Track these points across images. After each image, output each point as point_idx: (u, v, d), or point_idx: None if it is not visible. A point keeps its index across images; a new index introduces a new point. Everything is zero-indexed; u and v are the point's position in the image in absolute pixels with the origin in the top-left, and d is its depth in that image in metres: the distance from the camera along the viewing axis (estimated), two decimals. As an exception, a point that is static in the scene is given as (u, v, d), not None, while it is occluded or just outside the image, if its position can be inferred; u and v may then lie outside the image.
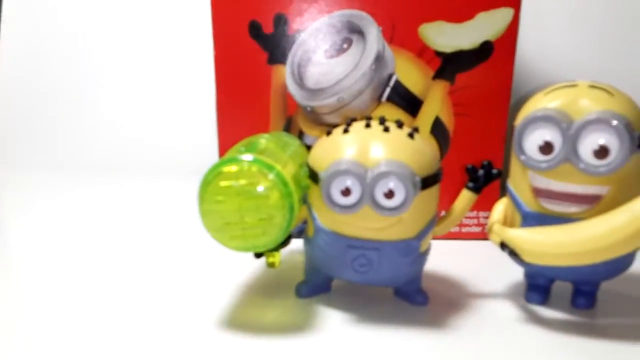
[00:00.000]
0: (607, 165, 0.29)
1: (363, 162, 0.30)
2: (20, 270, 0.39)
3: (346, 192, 0.30)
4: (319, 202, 0.31)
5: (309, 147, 0.35)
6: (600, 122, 0.29)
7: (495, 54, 0.41)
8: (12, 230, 0.47)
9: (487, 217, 0.44)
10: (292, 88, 0.42)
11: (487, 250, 0.41)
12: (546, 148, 0.31)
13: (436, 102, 0.42)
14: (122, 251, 0.42)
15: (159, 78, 0.62)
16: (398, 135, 0.31)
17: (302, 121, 0.42)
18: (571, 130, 0.30)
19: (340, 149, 0.31)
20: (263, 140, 0.32)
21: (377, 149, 0.30)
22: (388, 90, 0.41)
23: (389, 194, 0.30)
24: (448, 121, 0.42)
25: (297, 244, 0.36)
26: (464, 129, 0.43)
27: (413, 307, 0.34)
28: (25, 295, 0.35)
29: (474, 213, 0.44)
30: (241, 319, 0.33)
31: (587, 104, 0.30)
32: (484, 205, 0.42)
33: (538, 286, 0.35)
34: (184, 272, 0.39)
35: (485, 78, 0.41)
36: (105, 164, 0.64)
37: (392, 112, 0.42)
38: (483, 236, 0.44)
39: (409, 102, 0.42)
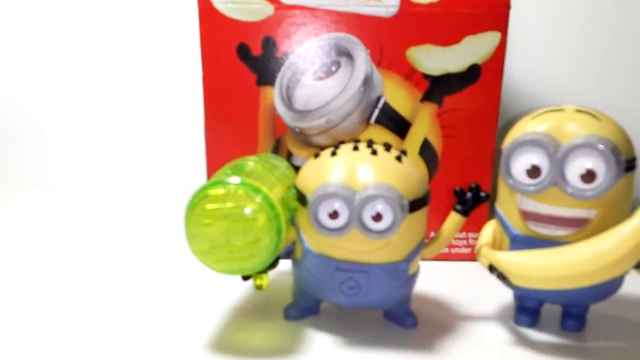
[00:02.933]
0: (594, 190, 0.29)
1: (351, 185, 0.30)
2: None
3: (334, 215, 0.30)
4: (307, 224, 0.31)
5: (297, 168, 0.35)
6: (587, 146, 0.29)
7: (483, 77, 0.41)
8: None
9: (476, 238, 0.44)
10: (281, 109, 0.42)
11: (476, 271, 0.41)
12: (534, 172, 0.31)
13: (424, 124, 0.42)
14: (108, 272, 0.42)
15: (148, 100, 0.62)
16: (386, 158, 0.31)
17: (291, 142, 0.42)
18: (558, 154, 0.30)
19: (328, 172, 0.31)
20: (250, 162, 0.32)
21: (365, 172, 0.30)
22: (377, 112, 0.42)
23: (377, 217, 0.29)
24: (436, 143, 0.43)
25: (286, 265, 0.35)
26: (453, 151, 0.43)
27: (402, 329, 0.34)
28: None
29: (463, 234, 0.44)
30: (229, 342, 0.32)
31: (574, 128, 0.30)
32: (473, 226, 0.42)
33: (527, 308, 0.34)
34: (171, 294, 0.38)
35: (473, 101, 0.42)
36: (91, 184, 0.63)
37: (381, 134, 0.42)
38: (472, 257, 0.44)
39: (398, 124, 0.42)
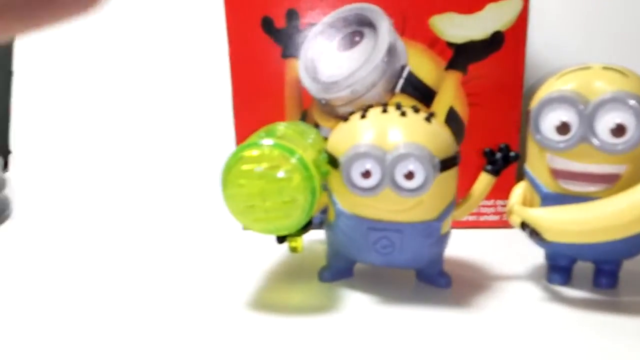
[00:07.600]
0: (625, 143, 0.30)
1: (381, 145, 0.30)
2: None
3: (366, 174, 0.30)
4: (339, 186, 0.32)
5: (324, 139, 0.35)
6: (615, 101, 0.29)
7: (506, 44, 0.41)
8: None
9: (504, 205, 0.44)
10: (306, 81, 0.42)
11: (506, 237, 0.42)
12: (563, 128, 0.31)
13: (449, 93, 0.42)
14: (150, 239, 0.44)
15: (176, 76, 0.62)
16: (415, 119, 0.32)
17: (317, 113, 0.43)
18: (587, 110, 0.30)
19: (359, 134, 0.31)
20: (281, 127, 0.33)
21: (395, 132, 0.31)
22: (401, 81, 0.42)
23: (409, 175, 0.30)
24: (462, 111, 0.43)
25: (318, 234, 0.36)
26: (478, 119, 0.43)
27: (436, 289, 0.34)
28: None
29: (492, 201, 0.44)
30: (267, 301, 0.33)
31: (602, 85, 0.30)
32: (501, 193, 0.42)
33: (560, 267, 0.35)
34: (211, 259, 0.40)
35: (497, 68, 0.42)
36: (128, 153, 0.63)
37: (406, 104, 0.42)
38: (501, 224, 0.44)
39: (423, 93, 0.42)
